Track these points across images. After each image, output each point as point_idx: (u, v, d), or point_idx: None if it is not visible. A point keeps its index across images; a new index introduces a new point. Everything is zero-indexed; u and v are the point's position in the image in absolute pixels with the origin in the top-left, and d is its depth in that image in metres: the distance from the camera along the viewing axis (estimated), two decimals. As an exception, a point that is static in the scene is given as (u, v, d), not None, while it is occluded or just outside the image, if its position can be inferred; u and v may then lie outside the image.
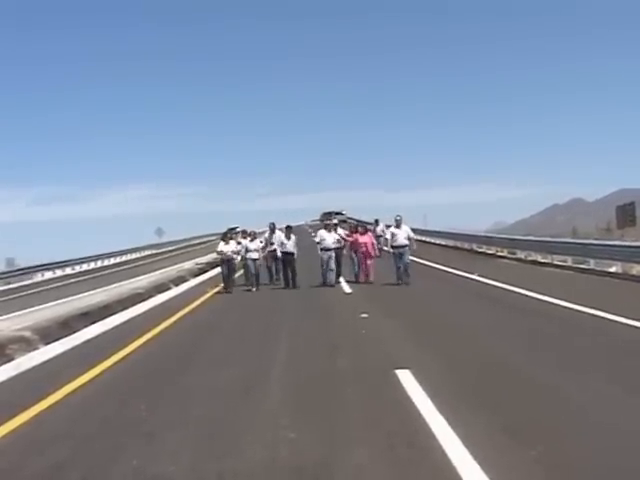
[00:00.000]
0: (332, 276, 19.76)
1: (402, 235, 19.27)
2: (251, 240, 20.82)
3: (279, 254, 20.36)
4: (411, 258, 20.02)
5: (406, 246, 19.15)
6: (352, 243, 20.67)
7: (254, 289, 19.80)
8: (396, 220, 19.59)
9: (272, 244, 21.00)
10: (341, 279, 20.45)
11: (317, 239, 20.58)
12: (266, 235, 21.93)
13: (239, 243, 20.93)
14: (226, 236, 21.24)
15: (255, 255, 20.37)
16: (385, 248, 21.42)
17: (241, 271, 21.45)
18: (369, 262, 20.33)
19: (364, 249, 20.27)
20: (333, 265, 19.76)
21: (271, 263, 21.39)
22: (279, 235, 21.07)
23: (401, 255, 19.05)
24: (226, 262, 20.22)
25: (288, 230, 20.75)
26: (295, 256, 19.93)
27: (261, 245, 20.97)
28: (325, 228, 20.96)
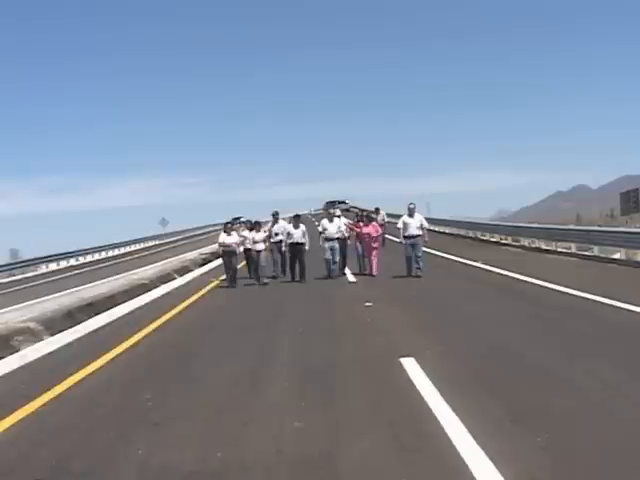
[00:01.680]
0: (335, 267, 18.86)
1: (415, 224, 18.10)
2: (257, 231, 19.49)
3: (284, 246, 19.14)
4: (398, 240, 18.86)
5: (419, 236, 18.04)
6: (357, 234, 19.65)
7: (262, 282, 18.48)
8: (409, 208, 18.36)
9: (276, 235, 19.56)
10: (347, 270, 19.56)
11: (319, 229, 19.42)
12: (269, 225, 20.57)
13: (241, 236, 19.81)
14: (227, 227, 19.53)
15: (261, 246, 19.06)
16: (397, 239, 19.58)
17: (243, 263, 20.55)
18: (373, 254, 19.07)
19: (367, 240, 19.15)
20: (337, 256, 18.77)
21: (276, 255, 19.87)
22: (283, 225, 19.72)
23: (413, 246, 17.85)
24: (228, 254, 18.84)
25: (296, 219, 19.34)
26: (306, 247, 18.58)
27: (266, 236, 19.64)
28: (327, 217, 19.65)
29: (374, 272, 18.73)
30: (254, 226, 19.83)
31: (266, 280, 18.50)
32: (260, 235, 19.31)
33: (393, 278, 17.83)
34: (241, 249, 19.53)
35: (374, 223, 20.30)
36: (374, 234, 19.27)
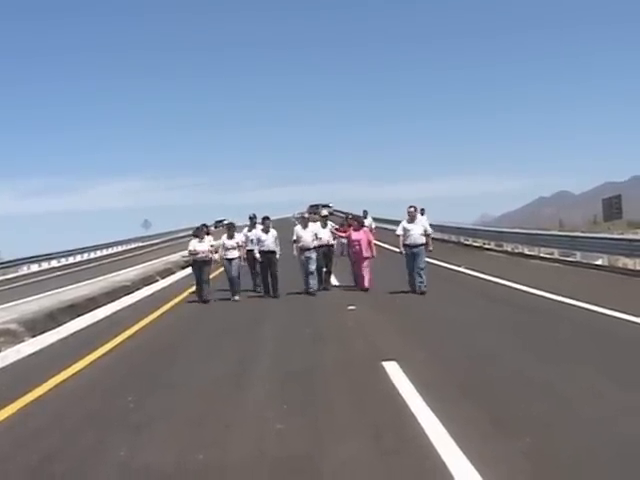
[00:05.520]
0: (314, 281, 16.27)
1: (417, 231, 15.55)
2: (230, 236, 16.50)
3: (257, 254, 16.38)
4: (397, 250, 16.11)
5: (422, 245, 15.53)
6: (349, 240, 17.25)
7: (233, 298, 15.91)
8: (409, 212, 15.82)
9: (252, 241, 16.84)
10: (332, 278, 17.53)
11: (294, 237, 16.62)
12: (245, 230, 17.60)
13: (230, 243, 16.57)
14: (200, 231, 16.59)
15: (234, 254, 16.20)
16: (397, 250, 16.37)
17: (218, 271, 18.05)
18: (364, 264, 16.53)
19: (357, 247, 16.66)
20: (313, 268, 16.24)
21: (253, 265, 17.14)
22: (257, 230, 16.88)
23: (414, 256, 15.33)
24: (199, 264, 16.13)
25: (265, 222, 16.65)
26: (277, 255, 16.22)
27: (242, 242, 16.61)
28: (301, 223, 17.05)
29: (366, 286, 16.35)
30: (229, 228, 17.15)
31: (237, 297, 15.93)
32: (232, 241, 16.40)
33: (384, 291, 15.70)
34: (216, 257, 16.62)
35: (365, 229, 17.84)
36: (365, 241, 16.77)
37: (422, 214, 28.03)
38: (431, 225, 16.69)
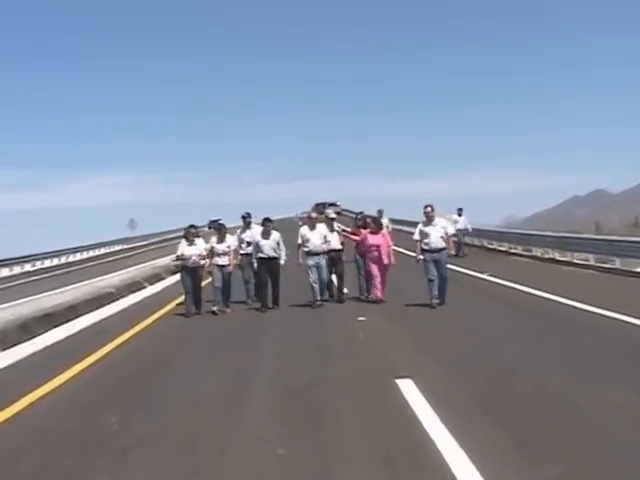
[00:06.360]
0: (322, 290, 15.94)
1: (436, 234, 14.99)
2: (220, 240, 15.82)
3: (254, 261, 16.15)
4: (413, 255, 15.91)
5: (443, 249, 15.08)
6: (358, 244, 16.70)
7: (211, 308, 15.38)
8: (425, 213, 15.18)
9: (248, 244, 16.61)
10: (345, 290, 16.81)
11: (299, 240, 15.92)
12: (238, 232, 17.43)
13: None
14: (190, 233, 15.95)
15: (225, 260, 15.63)
16: (413, 254, 16.03)
17: (208, 280, 16.54)
18: (382, 272, 16.03)
19: (375, 254, 16.07)
20: (324, 275, 15.85)
21: (248, 273, 16.95)
22: (255, 233, 16.41)
23: (436, 262, 14.83)
24: (189, 270, 15.64)
25: (266, 225, 16.00)
26: (281, 261, 15.70)
27: (235, 246, 16.16)
28: (308, 224, 16.35)
29: (380, 297, 15.86)
30: (219, 231, 16.23)
31: (214, 308, 15.32)
32: (223, 245, 15.73)
33: (397, 300, 15.50)
34: (207, 263, 15.78)
35: (384, 232, 17.12)
36: (384, 246, 16.20)
37: (460, 215, 29.47)
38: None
